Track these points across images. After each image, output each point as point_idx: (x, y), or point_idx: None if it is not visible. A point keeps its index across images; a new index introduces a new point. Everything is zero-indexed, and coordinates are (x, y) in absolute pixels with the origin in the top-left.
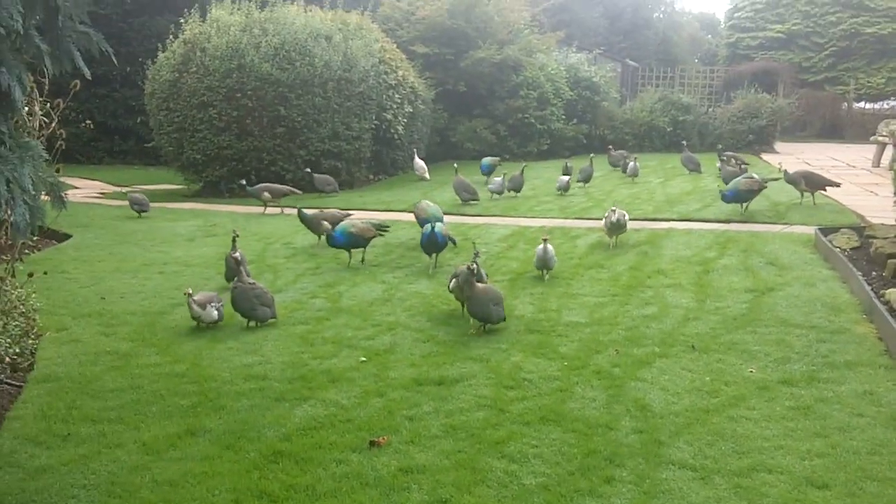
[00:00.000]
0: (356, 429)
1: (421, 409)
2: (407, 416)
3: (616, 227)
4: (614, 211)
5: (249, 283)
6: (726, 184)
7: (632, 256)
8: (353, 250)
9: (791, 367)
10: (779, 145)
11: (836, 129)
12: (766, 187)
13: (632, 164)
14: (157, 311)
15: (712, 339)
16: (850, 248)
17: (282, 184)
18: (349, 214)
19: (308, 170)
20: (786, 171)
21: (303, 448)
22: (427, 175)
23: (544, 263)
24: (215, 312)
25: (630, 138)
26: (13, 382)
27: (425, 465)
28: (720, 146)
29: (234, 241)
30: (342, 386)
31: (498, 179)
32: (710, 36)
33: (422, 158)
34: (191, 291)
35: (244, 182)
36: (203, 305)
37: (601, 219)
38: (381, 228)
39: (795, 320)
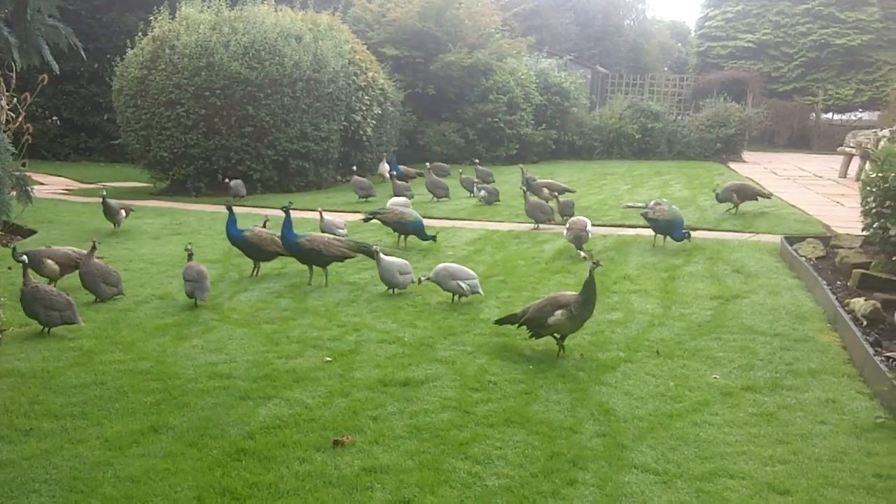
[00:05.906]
0: (320, 428)
1: (386, 410)
2: (371, 416)
3: (578, 240)
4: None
5: (37, 287)
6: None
7: None
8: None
9: (755, 374)
10: (747, 154)
11: (804, 139)
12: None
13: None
14: (122, 309)
15: (677, 344)
16: (816, 258)
17: (251, 183)
18: (82, 254)
19: (227, 179)
20: (717, 193)
21: (266, 446)
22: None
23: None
24: None
25: (599, 145)
26: None
27: (389, 465)
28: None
29: (93, 247)
30: (307, 385)
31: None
32: (680, 44)
33: (389, 162)
34: None
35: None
36: None
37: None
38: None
39: (760, 328)
